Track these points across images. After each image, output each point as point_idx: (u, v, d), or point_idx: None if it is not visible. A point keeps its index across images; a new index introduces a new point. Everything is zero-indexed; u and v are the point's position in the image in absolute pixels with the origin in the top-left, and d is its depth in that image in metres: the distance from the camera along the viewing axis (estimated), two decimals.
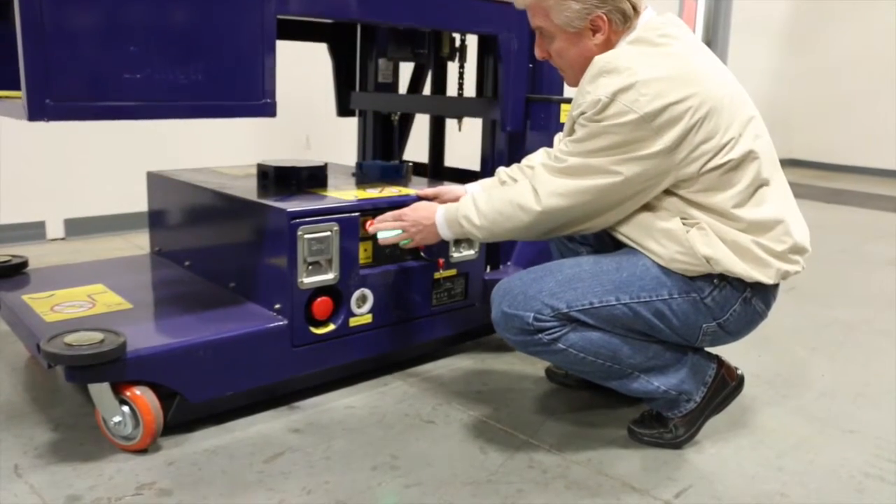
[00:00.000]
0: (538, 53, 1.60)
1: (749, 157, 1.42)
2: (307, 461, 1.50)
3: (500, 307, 1.51)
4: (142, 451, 1.51)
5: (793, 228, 1.47)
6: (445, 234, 1.67)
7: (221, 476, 1.44)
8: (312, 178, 2.00)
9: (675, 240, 1.45)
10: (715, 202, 1.43)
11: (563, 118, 2.08)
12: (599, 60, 1.44)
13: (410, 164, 2.29)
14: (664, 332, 1.51)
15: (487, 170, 2.24)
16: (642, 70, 1.38)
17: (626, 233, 1.52)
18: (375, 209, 1.79)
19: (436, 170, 2.58)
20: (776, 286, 1.53)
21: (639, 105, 1.36)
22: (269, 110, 1.55)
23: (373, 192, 1.90)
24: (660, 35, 1.46)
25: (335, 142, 3.64)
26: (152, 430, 1.49)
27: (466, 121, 2.40)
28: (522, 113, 2.12)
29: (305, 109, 4.08)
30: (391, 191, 1.94)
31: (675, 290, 1.48)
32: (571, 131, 1.49)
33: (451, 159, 2.61)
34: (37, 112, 1.30)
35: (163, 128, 3.57)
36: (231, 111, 1.53)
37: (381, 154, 2.66)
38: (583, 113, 1.43)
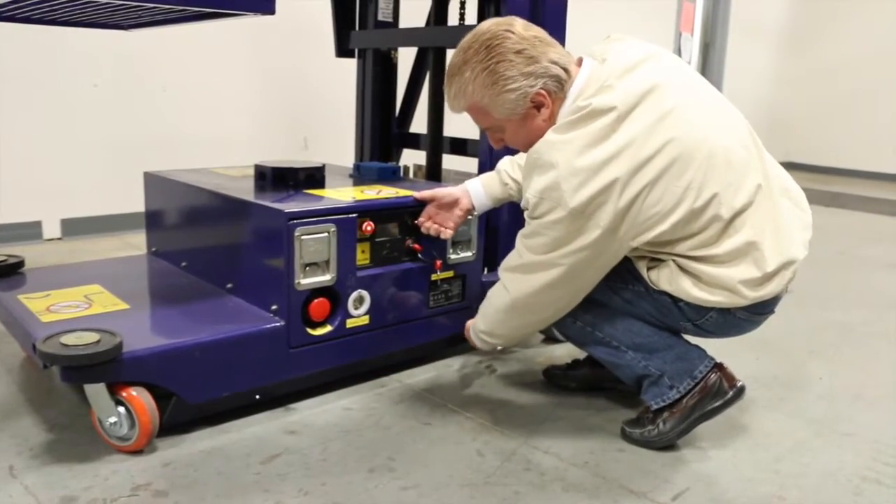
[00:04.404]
0: (495, 146, 1.60)
1: (713, 213, 1.41)
2: (304, 463, 1.50)
3: None
4: (137, 452, 1.50)
5: (767, 251, 1.43)
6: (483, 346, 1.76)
7: (217, 477, 1.43)
8: (310, 179, 2.00)
9: (639, 277, 1.53)
10: (681, 249, 1.45)
11: None
12: (531, 154, 1.44)
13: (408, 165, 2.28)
14: (641, 311, 1.57)
15: None
16: (565, 162, 1.36)
17: None
18: (373, 210, 1.79)
19: (435, 141, 2.49)
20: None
21: (564, 201, 1.36)
22: (268, 6, 1.51)
23: (370, 194, 1.90)
24: (591, 111, 1.37)
25: (333, 143, 3.63)
26: (148, 431, 1.48)
27: None
28: None
29: (303, 111, 4.09)
30: (389, 192, 1.94)
31: (651, 288, 1.53)
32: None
33: (450, 129, 2.55)
34: None
35: (161, 127, 3.58)
36: (231, 3, 1.49)
37: (381, 94, 2.60)
38: (526, 209, 1.46)
